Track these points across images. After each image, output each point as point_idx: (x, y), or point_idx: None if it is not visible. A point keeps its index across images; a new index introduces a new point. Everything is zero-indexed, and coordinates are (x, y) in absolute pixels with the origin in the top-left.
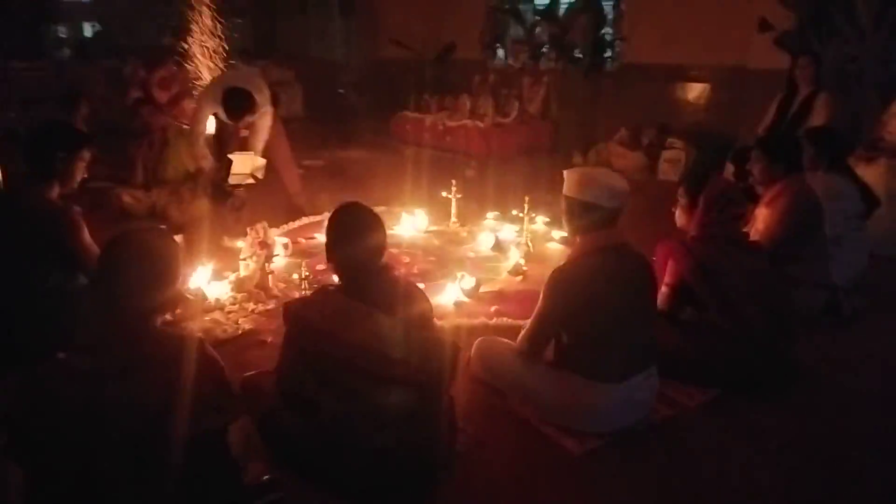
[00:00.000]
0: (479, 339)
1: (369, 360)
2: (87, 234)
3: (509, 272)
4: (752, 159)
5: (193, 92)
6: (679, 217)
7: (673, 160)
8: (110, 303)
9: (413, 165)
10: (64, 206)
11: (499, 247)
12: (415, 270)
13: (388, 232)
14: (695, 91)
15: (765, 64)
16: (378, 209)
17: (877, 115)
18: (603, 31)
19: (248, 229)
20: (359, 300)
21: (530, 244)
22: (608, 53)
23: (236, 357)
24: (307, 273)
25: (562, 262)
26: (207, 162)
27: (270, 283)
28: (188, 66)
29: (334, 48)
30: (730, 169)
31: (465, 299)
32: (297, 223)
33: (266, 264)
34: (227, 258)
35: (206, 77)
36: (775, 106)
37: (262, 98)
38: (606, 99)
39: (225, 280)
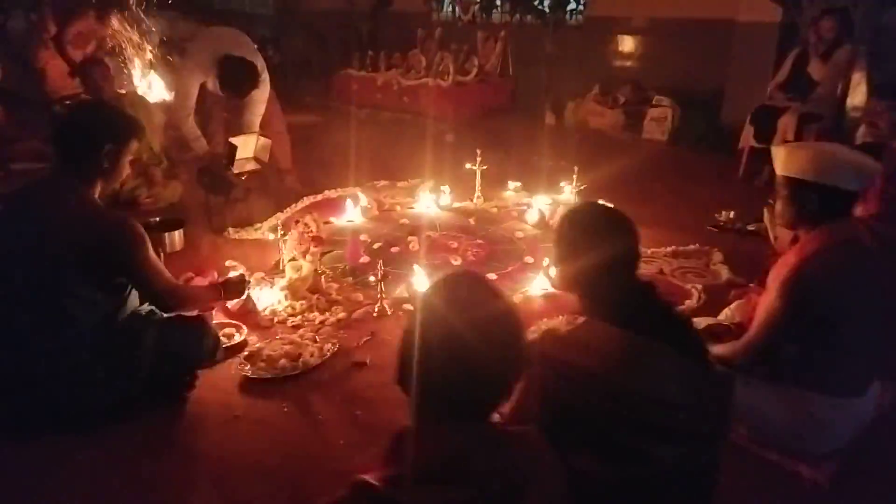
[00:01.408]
0: None
1: (660, 411)
2: (152, 252)
3: None
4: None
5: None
6: None
7: (659, 118)
8: (439, 402)
9: (378, 130)
10: (124, 217)
11: (544, 223)
12: (471, 257)
13: (408, 210)
14: (674, 45)
15: (755, 17)
16: (379, 184)
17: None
18: None
19: (294, 222)
20: (638, 333)
21: None
22: (572, 6)
23: (342, 390)
24: (381, 270)
25: (795, 259)
26: (200, 144)
27: (324, 285)
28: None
29: None
30: (750, 131)
31: (555, 290)
32: (298, 205)
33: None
34: (251, 255)
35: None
36: (791, 62)
37: (260, 64)
38: (571, 55)
39: (273, 286)
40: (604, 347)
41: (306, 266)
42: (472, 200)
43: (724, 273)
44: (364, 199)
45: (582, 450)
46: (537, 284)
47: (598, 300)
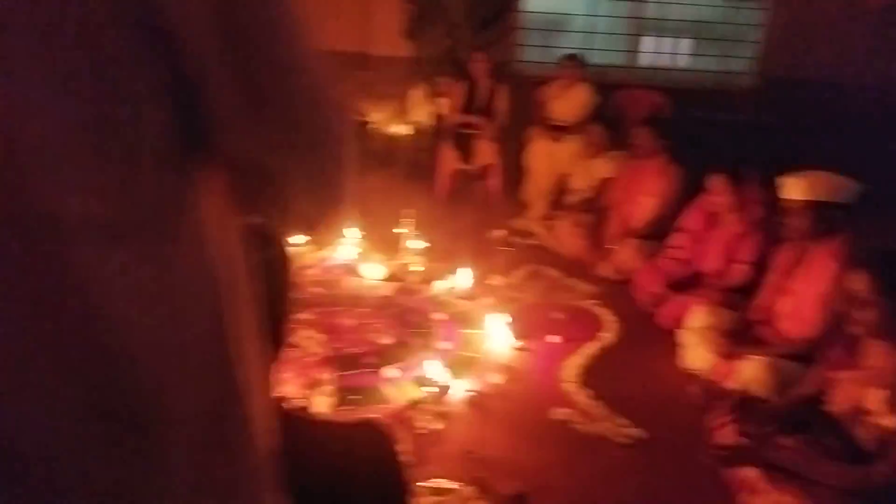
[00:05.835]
0: None
1: None
2: None
3: (468, 299)
4: None
5: None
6: None
7: None
8: None
9: None
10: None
11: (392, 276)
12: (389, 330)
13: None
14: None
15: (386, 52)
16: None
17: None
18: None
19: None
20: None
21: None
22: None
23: None
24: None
25: (838, 262)
26: None
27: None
28: None
29: None
30: (454, 155)
31: (517, 342)
32: None
33: None
34: None
35: None
36: (461, 92)
37: None
38: None
39: None
40: None
41: (325, 403)
42: None
43: (579, 285)
44: None
45: None
46: (498, 342)
47: None
